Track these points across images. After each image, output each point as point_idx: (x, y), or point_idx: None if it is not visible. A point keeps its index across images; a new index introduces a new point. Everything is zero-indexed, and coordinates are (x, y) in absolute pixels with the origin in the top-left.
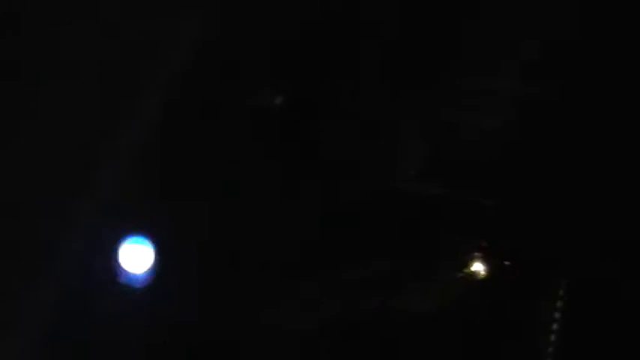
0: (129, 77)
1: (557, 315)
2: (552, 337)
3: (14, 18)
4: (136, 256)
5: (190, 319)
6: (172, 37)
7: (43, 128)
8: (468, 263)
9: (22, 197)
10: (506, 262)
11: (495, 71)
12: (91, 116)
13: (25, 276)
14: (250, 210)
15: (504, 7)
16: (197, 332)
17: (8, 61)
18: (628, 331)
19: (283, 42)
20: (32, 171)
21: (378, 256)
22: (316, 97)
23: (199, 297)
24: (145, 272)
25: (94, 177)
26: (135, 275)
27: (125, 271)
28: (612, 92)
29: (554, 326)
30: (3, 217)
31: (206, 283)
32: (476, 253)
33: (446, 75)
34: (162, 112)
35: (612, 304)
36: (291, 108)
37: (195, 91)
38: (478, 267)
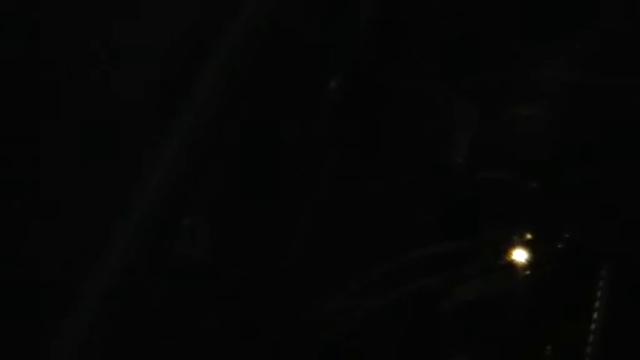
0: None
1: (600, 298)
2: (595, 323)
3: None
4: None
5: (253, 301)
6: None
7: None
8: (511, 249)
9: (82, 171)
10: (551, 247)
11: (544, 60)
12: (145, 107)
13: (85, 253)
14: (308, 192)
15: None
16: (262, 316)
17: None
18: None
19: (344, 24)
20: (93, 143)
21: (422, 241)
22: (371, 80)
23: (262, 280)
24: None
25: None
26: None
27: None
28: None
29: (597, 311)
30: (63, 189)
31: (271, 265)
32: (519, 240)
33: (497, 63)
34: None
35: None
36: (348, 90)
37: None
38: (521, 253)
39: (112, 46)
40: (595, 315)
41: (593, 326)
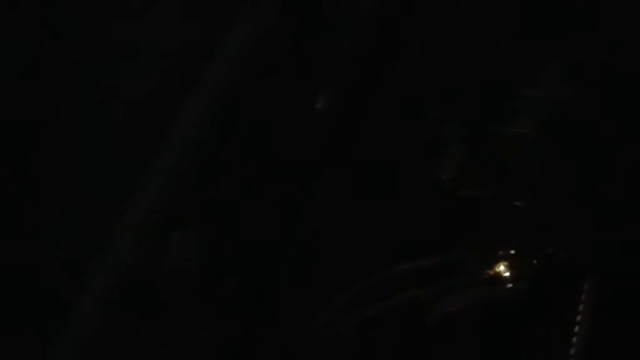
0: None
1: (581, 313)
2: (577, 335)
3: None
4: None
5: (238, 314)
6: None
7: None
8: (495, 263)
9: (79, 179)
10: (534, 262)
11: (533, 78)
12: (147, 112)
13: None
14: (294, 209)
15: (543, 14)
16: (244, 330)
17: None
18: None
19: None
20: (90, 156)
21: (408, 255)
22: (358, 97)
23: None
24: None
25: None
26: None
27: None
28: None
29: (580, 324)
30: (61, 197)
31: (261, 278)
32: (503, 254)
33: (484, 81)
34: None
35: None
36: (337, 109)
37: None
38: (506, 267)
39: (113, 59)
40: (577, 328)
41: (575, 339)
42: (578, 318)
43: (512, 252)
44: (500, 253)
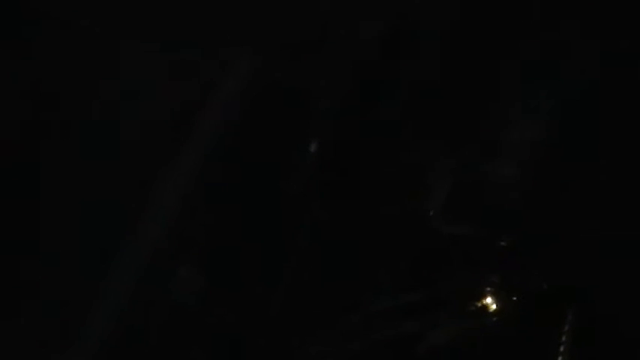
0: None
1: (564, 345)
2: None
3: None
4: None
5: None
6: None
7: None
8: (480, 297)
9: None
10: (516, 297)
11: (516, 121)
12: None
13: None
14: (291, 244)
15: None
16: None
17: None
18: None
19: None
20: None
21: (395, 289)
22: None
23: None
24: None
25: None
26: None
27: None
28: (626, 138)
29: (562, 354)
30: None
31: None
32: (488, 288)
33: (472, 123)
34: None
35: (620, 338)
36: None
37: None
38: (490, 301)
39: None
40: (560, 358)
41: None
42: (562, 348)
43: (498, 285)
44: (487, 286)
